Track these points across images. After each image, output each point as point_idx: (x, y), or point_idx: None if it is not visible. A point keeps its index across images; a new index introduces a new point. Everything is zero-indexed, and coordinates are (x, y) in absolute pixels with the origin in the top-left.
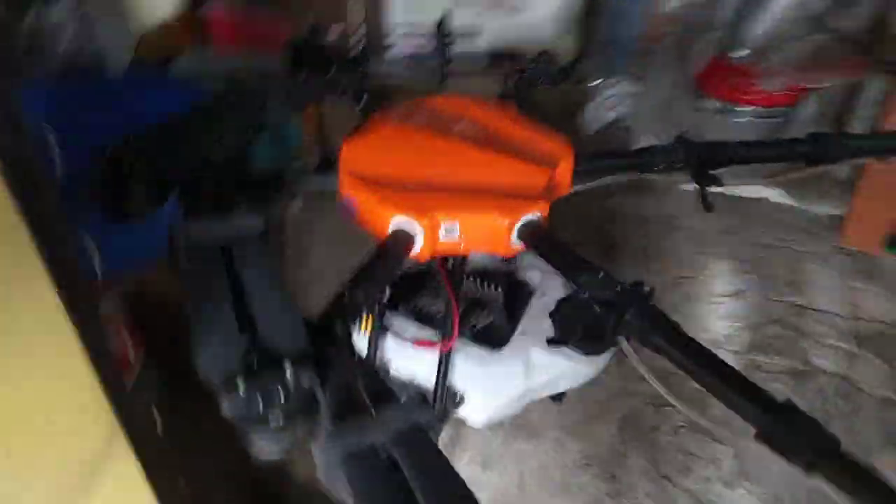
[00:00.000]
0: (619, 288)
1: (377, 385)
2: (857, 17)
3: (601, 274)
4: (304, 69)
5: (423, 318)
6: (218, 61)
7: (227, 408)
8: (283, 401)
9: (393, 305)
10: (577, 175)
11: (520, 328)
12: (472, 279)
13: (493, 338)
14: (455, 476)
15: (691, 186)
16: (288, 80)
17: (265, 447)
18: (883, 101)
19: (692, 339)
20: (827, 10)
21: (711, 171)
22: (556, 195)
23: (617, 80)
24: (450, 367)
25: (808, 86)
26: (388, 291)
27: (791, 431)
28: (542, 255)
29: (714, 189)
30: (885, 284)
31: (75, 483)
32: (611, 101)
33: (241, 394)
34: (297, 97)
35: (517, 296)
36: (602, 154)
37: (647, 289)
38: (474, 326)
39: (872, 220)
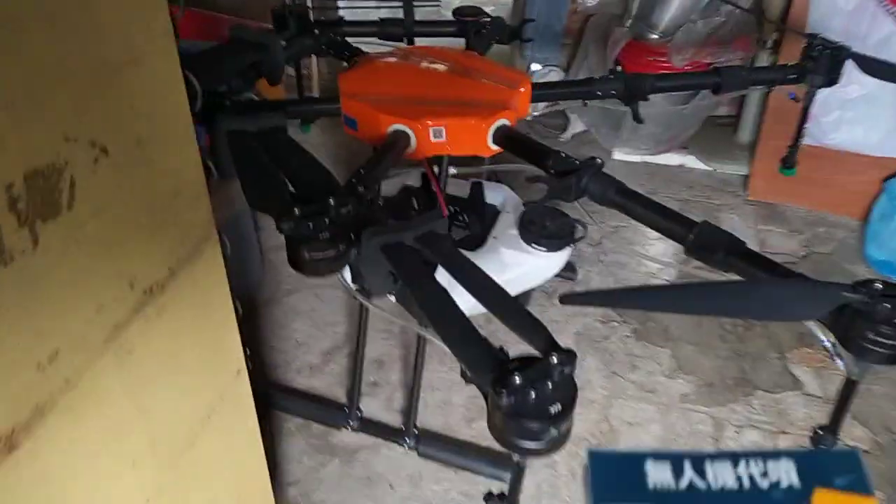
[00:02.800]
0: (577, 162)
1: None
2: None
3: (563, 154)
4: (288, 30)
5: None
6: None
7: (286, 228)
8: (328, 224)
9: None
10: (535, 99)
11: (492, 234)
12: (446, 206)
13: (469, 245)
14: (468, 259)
15: (621, 157)
16: (280, 36)
17: (317, 262)
18: None
19: (635, 192)
20: None
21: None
22: (520, 111)
23: (549, 70)
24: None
25: (709, 61)
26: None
27: (709, 241)
28: (513, 152)
29: (638, 155)
30: (785, 226)
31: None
32: None
33: (297, 216)
34: (288, 52)
35: (486, 215)
36: (553, 83)
37: (598, 161)
38: (453, 237)
39: (771, 174)
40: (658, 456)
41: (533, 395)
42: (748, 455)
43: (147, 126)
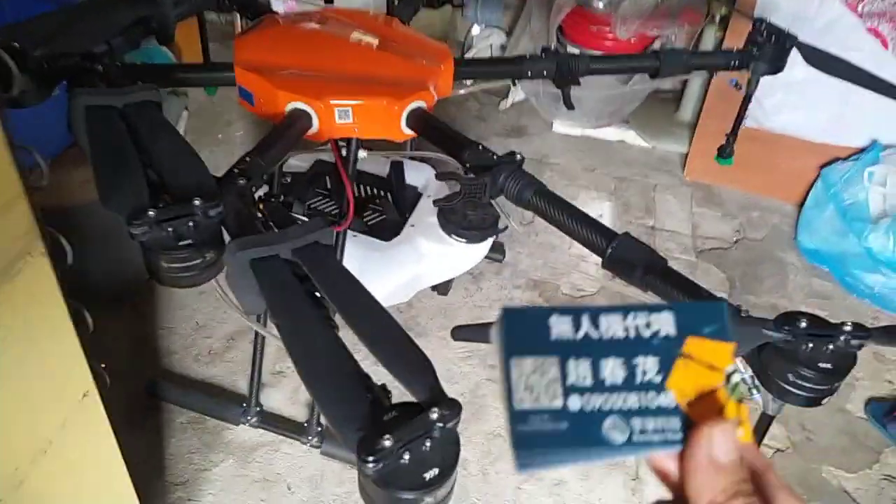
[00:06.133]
0: (495, 157)
1: (281, 217)
2: None
3: (480, 147)
4: None
5: (316, 216)
6: None
7: (137, 234)
8: (192, 229)
9: (288, 206)
10: (458, 77)
11: (409, 222)
12: (362, 185)
13: (385, 232)
14: (355, 280)
15: (561, 129)
16: None
17: (176, 273)
18: (718, 49)
19: (555, 195)
20: None
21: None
22: (440, 91)
23: (491, 32)
24: (344, 256)
25: (655, 34)
26: (281, 196)
27: (628, 256)
28: (428, 139)
29: (578, 129)
30: (720, 209)
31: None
32: (485, 52)
33: (151, 219)
34: (182, 6)
35: (405, 197)
36: (478, 60)
37: (518, 157)
38: (366, 222)
39: (710, 155)
40: (562, 311)
41: (406, 458)
42: (636, 308)
43: None
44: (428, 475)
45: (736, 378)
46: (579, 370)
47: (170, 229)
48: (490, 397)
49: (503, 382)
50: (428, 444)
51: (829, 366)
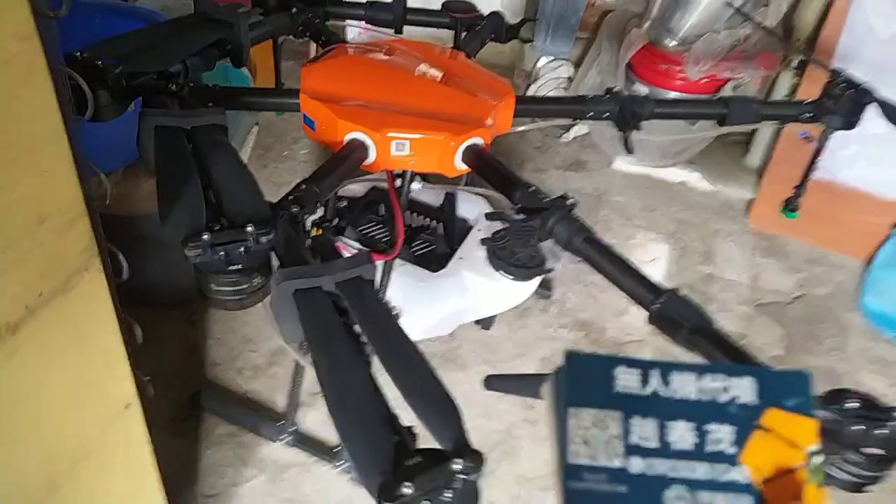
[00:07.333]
0: (546, 200)
1: (327, 250)
2: (775, 14)
3: (532, 188)
4: (266, 5)
5: (367, 243)
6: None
7: (191, 255)
8: (243, 255)
9: (340, 230)
10: (518, 114)
11: (457, 254)
12: (415, 213)
13: (433, 263)
14: (393, 318)
15: (622, 167)
16: (250, 12)
17: (225, 296)
18: (793, 95)
19: (604, 244)
20: (750, 4)
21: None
22: (499, 128)
23: (559, 64)
24: (389, 284)
25: (727, 76)
26: (335, 220)
27: (675, 313)
28: (481, 175)
29: (640, 166)
30: (783, 261)
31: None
32: (551, 83)
33: (206, 242)
34: (256, 31)
35: (456, 229)
36: (539, 98)
37: (570, 202)
38: (414, 252)
39: (777, 204)
40: (630, 362)
41: None
42: (713, 369)
43: None
44: None
45: (818, 460)
46: (644, 430)
47: (222, 253)
48: (525, 439)
49: (557, 432)
50: (448, 495)
51: (878, 452)
